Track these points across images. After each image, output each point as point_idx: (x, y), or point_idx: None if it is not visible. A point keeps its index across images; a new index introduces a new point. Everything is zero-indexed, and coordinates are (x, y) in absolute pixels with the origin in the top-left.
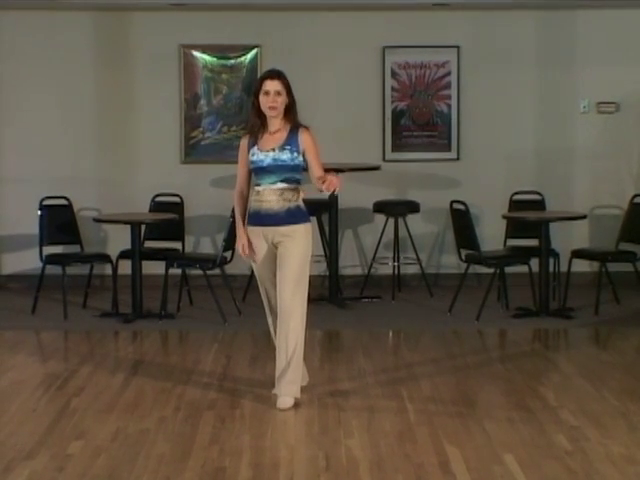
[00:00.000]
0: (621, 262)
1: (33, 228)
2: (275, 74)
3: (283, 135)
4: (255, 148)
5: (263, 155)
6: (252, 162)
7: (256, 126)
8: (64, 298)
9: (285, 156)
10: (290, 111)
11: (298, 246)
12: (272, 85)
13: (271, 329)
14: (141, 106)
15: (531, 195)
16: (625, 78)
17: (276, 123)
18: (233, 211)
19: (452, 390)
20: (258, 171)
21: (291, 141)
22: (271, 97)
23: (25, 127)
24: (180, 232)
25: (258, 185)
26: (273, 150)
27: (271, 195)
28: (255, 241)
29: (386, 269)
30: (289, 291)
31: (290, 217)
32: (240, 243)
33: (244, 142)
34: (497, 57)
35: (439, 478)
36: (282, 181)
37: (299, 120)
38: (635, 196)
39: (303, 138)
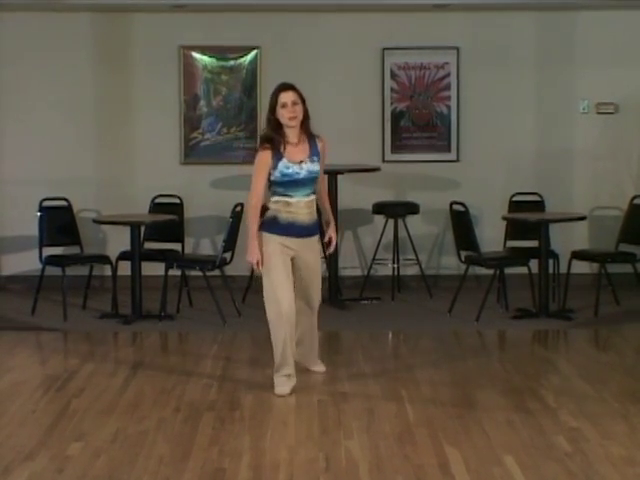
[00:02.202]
0: (621, 263)
1: (33, 229)
2: (288, 86)
3: (306, 146)
4: (285, 161)
5: (297, 167)
6: (285, 175)
7: (277, 140)
8: (64, 299)
9: (316, 167)
10: (305, 121)
11: (317, 252)
12: (288, 97)
13: (287, 338)
14: (141, 107)
15: (531, 196)
16: (624, 79)
17: (295, 134)
18: (233, 212)
19: (452, 391)
20: (291, 183)
21: (315, 151)
22: (290, 108)
23: (25, 128)
24: (180, 233)
25: (289, 197)
26: (304, 162)
27: (305, 208)
28: (277, 249)
29: (386, 270)
30: (318, 291)
31: (315, 228)
32: (255, 257)
33: (266, 155)
34: (496, 58)
35: (439, 479)
36: (312, 193)
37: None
38: (635, 197)
39: (321, 148)
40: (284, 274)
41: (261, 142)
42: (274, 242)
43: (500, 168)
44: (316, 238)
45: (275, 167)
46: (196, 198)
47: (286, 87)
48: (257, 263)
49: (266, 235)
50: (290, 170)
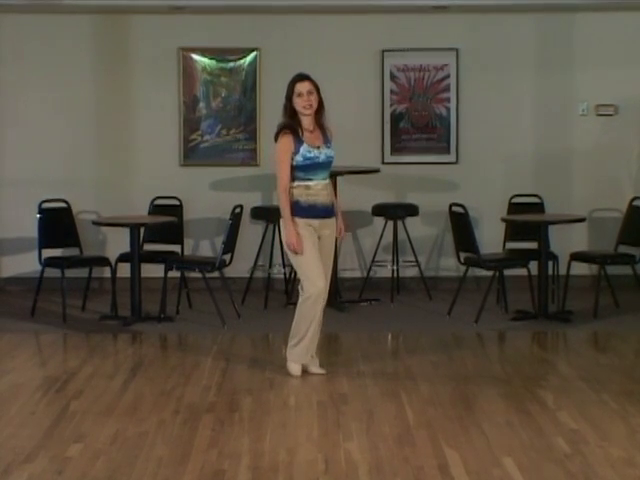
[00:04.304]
0: (620, 265)
1: (32, 231)
2: (304, 76)
3: (320, 133)
4: (305, 145)
5: (317, 152)
6: (308, 158)
7: (295, 126)
8: (63, 301)
9: (332, 153)
10: (319, 111)
11: (334, 236)
12: (303, 86)
13: (316, 320)
14: (140, 109)
15: (530, 198)
16: (624, 80)
17: (310, 122)
18: (232, 214)
19: (451, 393)
20: (312, 167)
21: (327, 139)
22: (305, 97)
23: (24, 129)
24: (179, 235)
25: (308, 180)
26: (321, 147)
27: (323, 190)
28: (306, 232)
29: (385, 272)
30: (330, 274)
31: (333, 209)
32: (293, 238)
33: (288, 140)
34: (496, 60)
35: None
36: (329, 176)
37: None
38: (634, 199)
39: (330, 136)
40: (315, 254)
41: (281, 128)
42: (300, 224)
43: (499, 170)
44: (334, 219)
45: (297, 152)
46: (195, 200)
47: (302, 77)
48: (294, 244)
49: (295, 220)
50: (312, 154)
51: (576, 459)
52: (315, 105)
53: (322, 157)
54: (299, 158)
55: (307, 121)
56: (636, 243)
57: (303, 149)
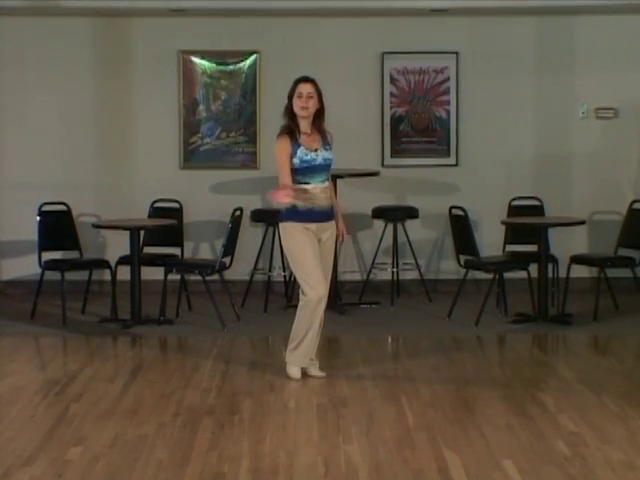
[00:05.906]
0: (620, 268)
1: (32, 234)
2: (308, 78)
3: (318, 136)
4: (302, 148)
5: (314, 154)
6: (304, 161)
7: (292, 128)
8: (63, 304)
9: (330, 155)
10: (319, 116)
11: (334, 236)
12: (305, 88)
13: (317, 325)
14: (140, 112)
15: (530, 201)
16: (624, 83)
17: (307, 125)
18: (232, 216)
19: (451, 396)
20: (309, 170)
21: (326, 142)
22: (304, 99)
23: (24, 133)
24: (179, 238)
25: (306, 184)
26: (319, 150)
27: (322, 193)
28: (305, 237)
29: (385, 275)
30: (329, 278)
31: (332, 213)
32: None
33: (286, 142)
34: (496, 63)
35: None
36: (327, 179)
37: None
38: (634, 201)
39: (330, 140)
40: (315, 259)
41: (280, 131)
42: (299, 228)
43: (499, 172)
44: (333, 222)
45: (294, 154)
46: (195, 203)
47: (306, 79)
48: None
49: (289, 224)
50: (308, 157)
51: (576, 462)
52: (312, 110)
53: (319, 160)
54: (296, 161)
55: (304, 124)
56: (636, 246)
57: (300, 152)
